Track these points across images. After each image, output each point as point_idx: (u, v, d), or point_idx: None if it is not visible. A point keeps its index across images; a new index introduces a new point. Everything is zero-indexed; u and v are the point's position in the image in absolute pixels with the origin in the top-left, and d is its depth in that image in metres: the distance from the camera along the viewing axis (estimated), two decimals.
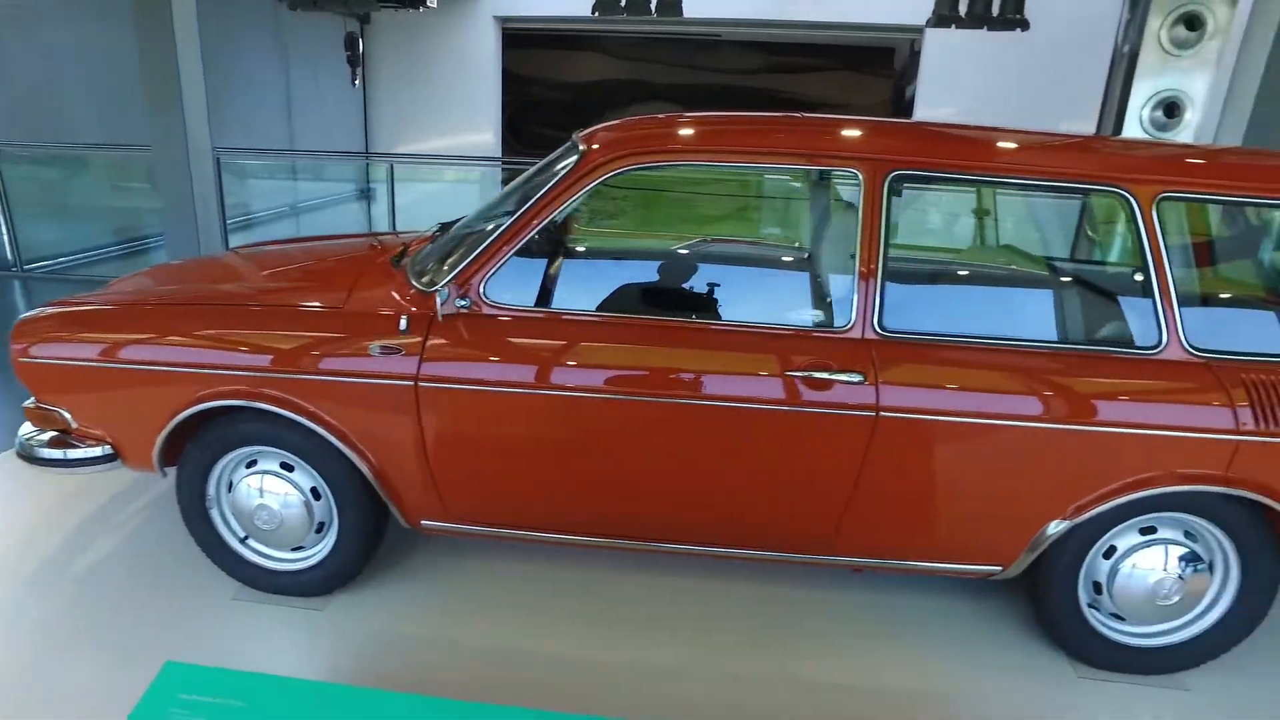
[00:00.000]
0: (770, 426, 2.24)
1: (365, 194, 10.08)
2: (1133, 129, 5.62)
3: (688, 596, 2.75)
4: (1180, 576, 2.36)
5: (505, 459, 2.39)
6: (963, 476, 2.26)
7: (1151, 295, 2.20)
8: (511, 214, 2.34)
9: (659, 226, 6.78)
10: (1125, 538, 2.37)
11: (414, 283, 2.48)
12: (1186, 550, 2.37)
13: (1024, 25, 8.06)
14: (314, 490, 2.56)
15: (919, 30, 10.89)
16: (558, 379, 2.27)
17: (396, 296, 2.46)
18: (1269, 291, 2.93)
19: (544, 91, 14.51)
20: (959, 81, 11.20)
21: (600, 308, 2.36)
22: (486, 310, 2.34)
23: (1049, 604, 2.45)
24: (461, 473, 2.42)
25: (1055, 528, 2.28)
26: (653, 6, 8.29)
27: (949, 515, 2.32)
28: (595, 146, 2.31)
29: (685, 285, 2.50)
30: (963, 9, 7.95)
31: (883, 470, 2.24)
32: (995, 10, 7.95)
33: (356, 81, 10.34)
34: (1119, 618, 2.45)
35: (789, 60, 13.85)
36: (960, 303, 2.43)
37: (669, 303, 2.50)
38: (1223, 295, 2.87)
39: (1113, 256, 3.92)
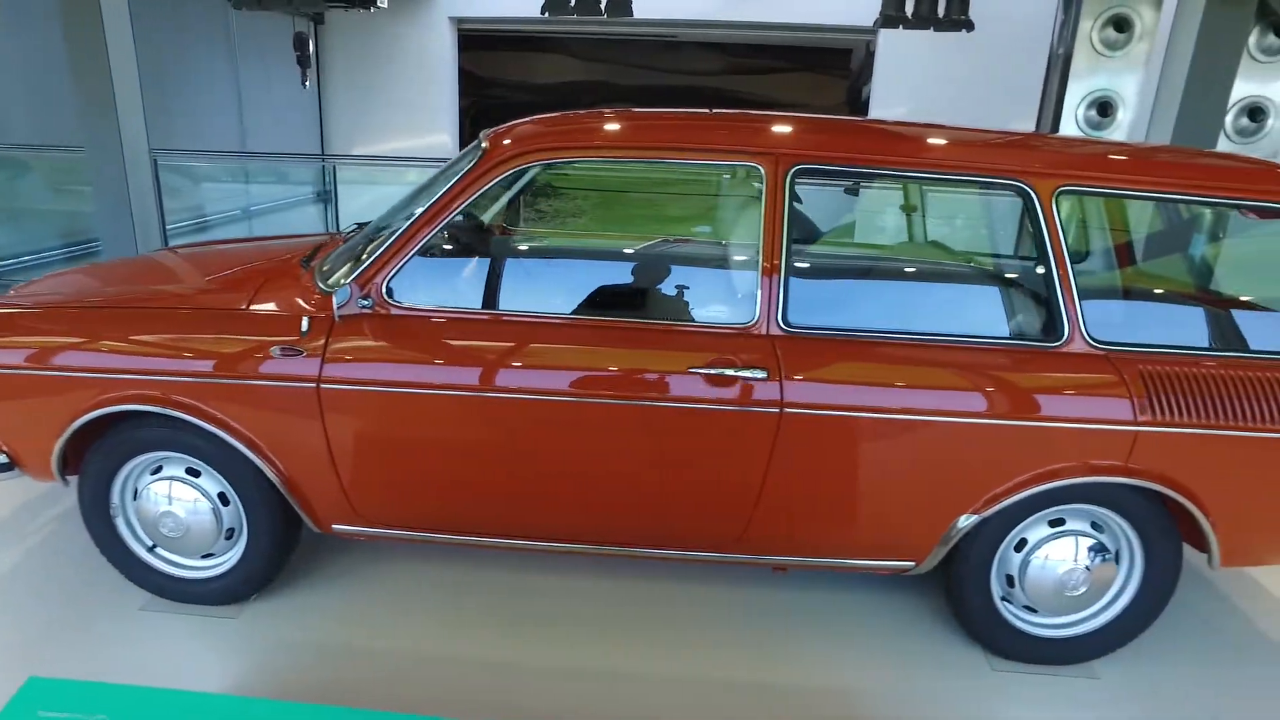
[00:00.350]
0: (676, 425, 2.22)
1: (323, 196, 9.94)
2: (1069, 128, 5.72)
3: (607, 598, 2.73)
4: (1088, 567, 2.38)
5: (410, 461, 2.35)
6: (870, 472, 2.26)
7: (1053, 289, 2.21)
8: (414, 213, 2.30)
9: (606, 225, 6.77)
10: (1035, 530, 2.39)
11: (319, 284, 2.43)
12: (1094, 541, 2.39)
13: (969, 26, 8.16)
14: (222, 496, 2.50)
15: (873, 31, 11.00)
16: (459, 379, 2.24)
17: (300, 298, 2.41)
18: (1171, 283, 2.99)
19: (506, 93, 14.45)
20: (912, 82, 11.33)
21: (508, 307, 2.33)
22: (388, 310, 2.30)
23: (963, 598, 2.46)
24: (368, 475, 2.38)
25: (965, 521, 2.30)
26: (603, 6, 8.29)
27: (859, 511, 2.32)
28: (496, 145, 2.28)
29: (596, 283, 2.48)
30: (909, 10, 8.04)
31: (790, 467, 2.23)
32: (941, 12, 8.05)
33: (307, 83, 10.19)
34: (1031, 610, 2.47)
35: (750, 62, 13.93)
36: (869, 298, 2.43)
37: (578, 301, 2.47)
38: (1125, 287, 2.91)
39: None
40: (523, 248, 3.06)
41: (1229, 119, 5.40)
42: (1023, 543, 2.40)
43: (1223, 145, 5.45)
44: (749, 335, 2.20)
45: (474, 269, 2.71)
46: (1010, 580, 2.44)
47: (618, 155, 2.29)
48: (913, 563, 2.40)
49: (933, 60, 10.79)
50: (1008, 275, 2.50)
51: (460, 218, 2.29)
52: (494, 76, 14.32)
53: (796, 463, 2.23)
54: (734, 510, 2.30)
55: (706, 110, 2.45)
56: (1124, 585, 2.44)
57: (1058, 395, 2.19)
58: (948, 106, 10.46)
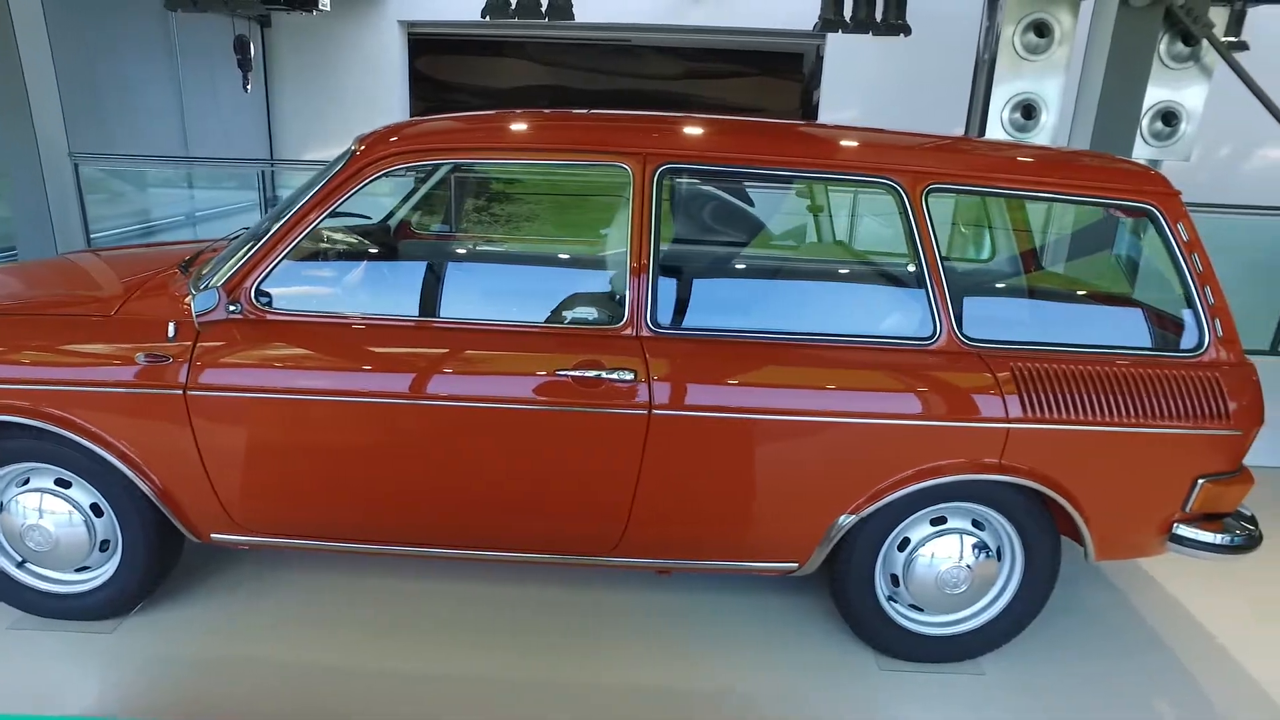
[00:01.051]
0: (546, 428, 2.20)
1: (273, 203, 9.76)
2: (995, 130, 5.79)
3: (493, 604, 2.69)
4: (969, 565, 2.40)
5: (283, 467, 2.30)
6: (745, 473, 2.25)
7: (925, 286, 2.22)
8: (281, 217, 2.25)
9: (519, 228, 6.73)
10: (917, 529, 2.40)
11: (191, 289, 2.37)
12: (975, 539, 2.41)
13: (906, 30, 8.25)
14: (95, 507, 2.42)
15: (822, 36, 11.09)
16: (329, 384, 2.20)
17: (171, 305, 2.35)
18: (1054, 283, 3.02)
19: (465, 97, 14.38)
20: (858, 86, 11.45)
21: (385, 310, 2.29)
22: (259, 316, 2.25)
23: (849, 598, 2.46)
24: (241, 483, 2.32)
25: (844, 520, 2.29)
26: (544, 10, 8.25)
27: (736, 513, 2.31)
28: (363, 148, 2.24)
29: (477, 286, 2.45)
30: (848, 15, 8.11)
31: (663, 470, 2.21)
32: (879, 16, 8.13)
33: (249, 87, 10.00)
34: (917, 609, 2.48)
35: (707, 66, 13.99)
36: (749, 299, 2.43)
37: (455, 304, 2.44)
38: (997, 285, 2.94)
39: (974, 251, 4.00)
40: (416, 251, 3.02)
41: (1144, 123, 5.51)
42: (906, 541, 2.41)
43: (1139, 148, 5.56)
44: (618, 337, 2.18)
45: (360, 272, 2.66)
46: (895, 579, 2.44)
47: (485, 156, 2.27)
48: (796, 564, 2.39)
49: (878, 64, 10.91)
50: (891, 274, 2.51)
51: (332, 219, 2.25)
52: (451, 80, 14.25)
53: (669, 465, 2.21)
54: (610, 514, 2.28)
55: (582, 110, 2.43)
56: (1006, 582, 2.46)
57: (929, 393, 2.20)
58: (892, 109, 10.57)
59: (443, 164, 2.21)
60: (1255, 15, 9.61)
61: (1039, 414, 2.20)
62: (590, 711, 2.26)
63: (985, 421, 2.20)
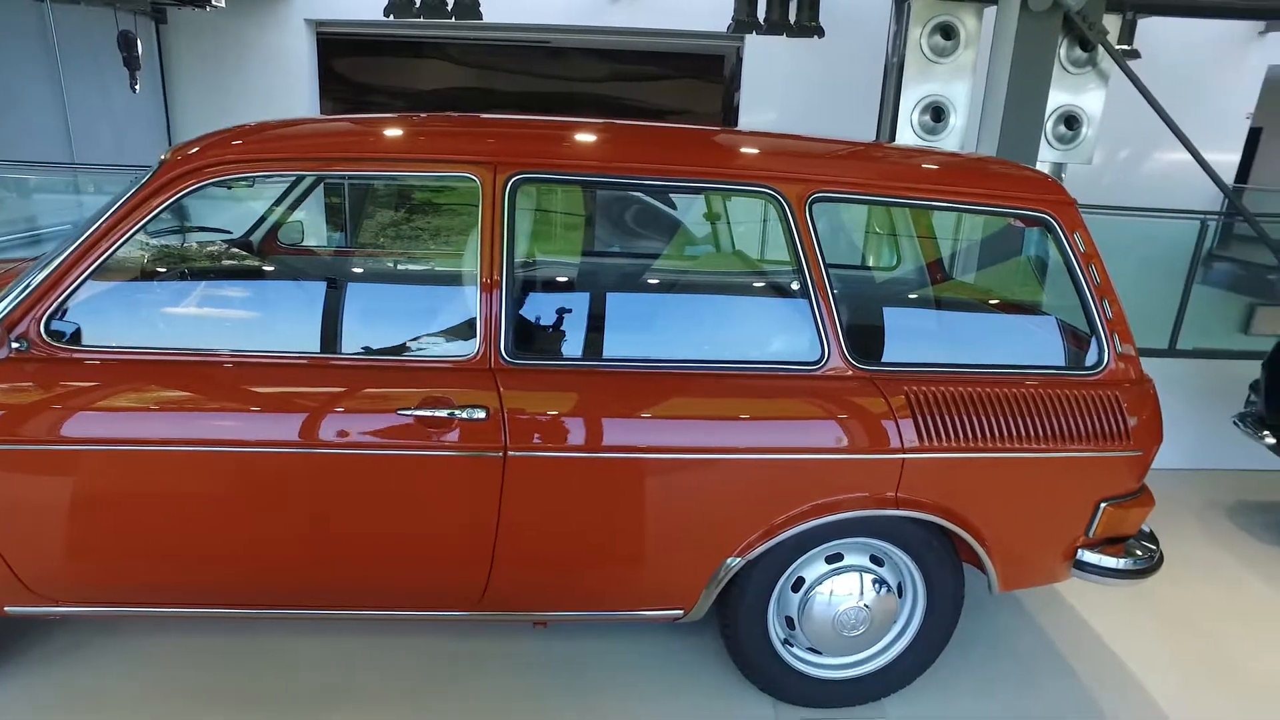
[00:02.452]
0: (394, 473, 1.94)
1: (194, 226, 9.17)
2: (905, 132, 5.73)
3: (360, 659, 2.42)
4: (869, 604, 2.22)
5: (77, 526, 1.97)
6: (618, 516, 2.03)
7: (810, 303, 2.04)
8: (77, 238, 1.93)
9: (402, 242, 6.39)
10: (812, 568, 2.22)
11: None
12: (874, 576, 2.24)
13: (819, 32, 8.20)
14: None
15: (740, 38, 11.01)
16: (135, 431, 1.89)
17: None
18: (954, 297, 2.90)
19: (386, 100, 13.89)
20: (776, 88, 11.41)
21: (209, 343, 1.98)
22: (51, 353, 1.91)
23: (741, 644, 2.26)
24: (31, 546, 1.98)
25: (731, 563, 2.09)
26: (450, 9, 7.93)
27: (610, 559, 2.09)
28: (175, 157, 1.94)
29: (320, 311, 2.17)
30: (761, 16, 8.00)
31: (524, 515, 1.98)
32: (792, 18, 8.05)
33: (137, 87, 9.38)
34: (815, 651, 2.30)
35: (634, 68, 13.82)
36: (616, 321, 2.21)
37: (290, 333, 2.15)
38: (898, 298, 2.80)
39: (878, 261, 3.86)
40: (263, 270, 2.69)
41: (1048, 126, 5.53)
42: (800, 581, 2.22)
43: (1044, 151, 5.57)
44: (469, 369, 1.93)
45: (188, 298, 2.33)
46: (790, 622, 2.25)
47: (315, 169, 2.00)
48: (681, 610, 2.18)
49: (796, 66, 10.88)
50: (780, 291, 2.32)
51: (138, 240, 1.94)
52: (370, 83, 13.76)
53: (531, 511, 1.98)
54: (469, 565, 2.03)
55: (414, 115, 2.18)
56: (908, 619, 2.30)
57: (816, 423, 2.01)
58: (812, 111, 10.56)
59: (265, 176, 1.92)
60: (1152, 25, 9.91)
61: (936, 442, 2.04)
62: None
63: (878, 452, 2.02)
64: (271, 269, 2.71)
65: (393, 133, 2.04)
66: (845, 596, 2.22)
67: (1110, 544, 2.28)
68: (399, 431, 1.89)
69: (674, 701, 2.34)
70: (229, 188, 2.00)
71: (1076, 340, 2.28)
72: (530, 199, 2.33)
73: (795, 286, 2.05)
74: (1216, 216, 5.82)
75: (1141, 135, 5.16)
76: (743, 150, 2.17)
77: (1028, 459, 2.10)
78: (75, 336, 1.94)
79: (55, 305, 1.91)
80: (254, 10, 11.78)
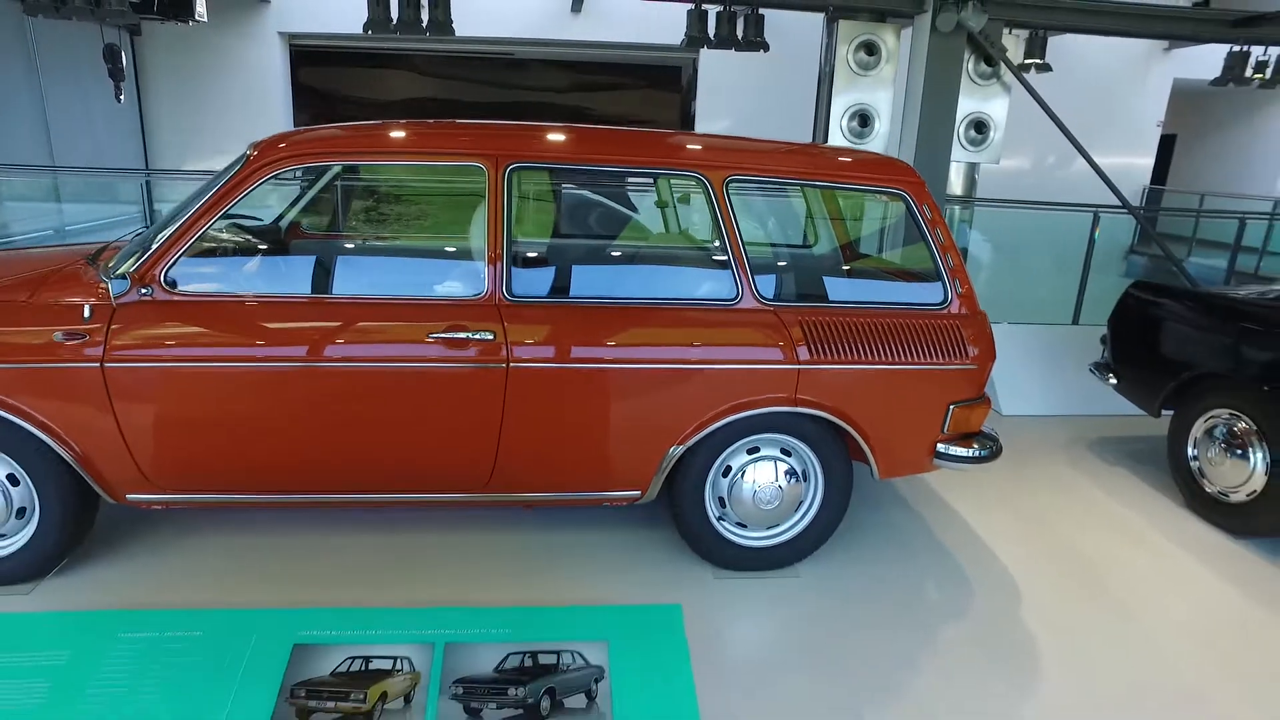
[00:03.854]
0: (424, 383, 2.64)
1: (155, 214, 9.62)
2: (835, 137, 6.54)
3: (385, 549, 3.09)
4: (780, 486, 2.96)
5: (195, 430, 2.64)
6: (590, 414, 2.75)
7: (729, 258, 2.79)
8: (184, 213, 2.61)
9: (406, 225, 7.11)
10: (737, 458, 2.96)
11: (102, 278, 2.68)
12: (784, 465, 2.98)
13: (764, 47, 9.03)
14: (11, 477, 2.68)
15: (694, 51, 11.81)
16: (232, 354, 2.56)
17: (83, 291, 2.65)
18: (850, 258, 3.67)
19: (353, 109, 14.34)
20: (729, 98, 12.23)
21: (285, 291, 2.67)
22: (168, 297, 2.59)
23: (686, 520, 2.99)
24: (157, 446, 2.64)
25: (674, 451, 2.82)
26: (424, 25, 8.59)
27: (585, 448, 2.80)
28: (257, 152, 2.63)
29: (361, 270, 2.85)
30: (711, 32, 8.81)
31: (522, 414, 2.69)
32: (740, 34, 8.87)
33: (121, 97, 9.85)
34: (742, 525, 3.03)
35: (594, 79, 14.46)
36: (596, 275, 2.93)
37: (342, 284, 2.84)
38: (807, 261, 3.56)
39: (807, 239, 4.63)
40: (306, 246, 3.38)
41: (960, 130, 6.36)
42: (728, 469, 2.96)
43: (957, 152, 6.40)
44: (480, 305, 2.65)
45: (256, 262, 3.02)
46: (722, 502, 2.99)
47: (363, 159, 2.71)
48: (639, 492, 2.90)
49: (746, 78, 11.72)
50: (710, 253, 3.06)
51: (235, 213, 2.62)
52: (340, 92, 14.22)
53: (527, 410, 2.69)
54: (480, 455, 2.74)
55: (433, 120, 2.90)
56: (811, 499, 3.04)
57: (733, 344, 2.76)
58: (760, 119, 11.39)
59: (329, 166, 2.60)
60: (1068, 42, 10.91)
61: (823, 357, 2.79)
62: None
63: (779, 364, 2.77)
64: (323, 245, 3.40)
65: (423, 133, 2.76)
66: (762, 480, 2.96)
67: (962, 439, 3.06)
68: (430, 349, 2.60)
69: (633, 573, 3.05)
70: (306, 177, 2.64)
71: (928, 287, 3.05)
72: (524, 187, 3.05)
73: (717, 245, 2.80)
74: (1107, 210, 6.68)
75: (1065, 142, 6.05)
76: (677, 145, 2.92)
77: (893, 370, 2.87)
78: (181, 286, 2.61)
79: (173, 261, 2.58)
80: (228, 22, 12.27)
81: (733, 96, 12.12)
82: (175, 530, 3.13)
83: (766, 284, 2.83)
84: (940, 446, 3.01)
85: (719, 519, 3.02)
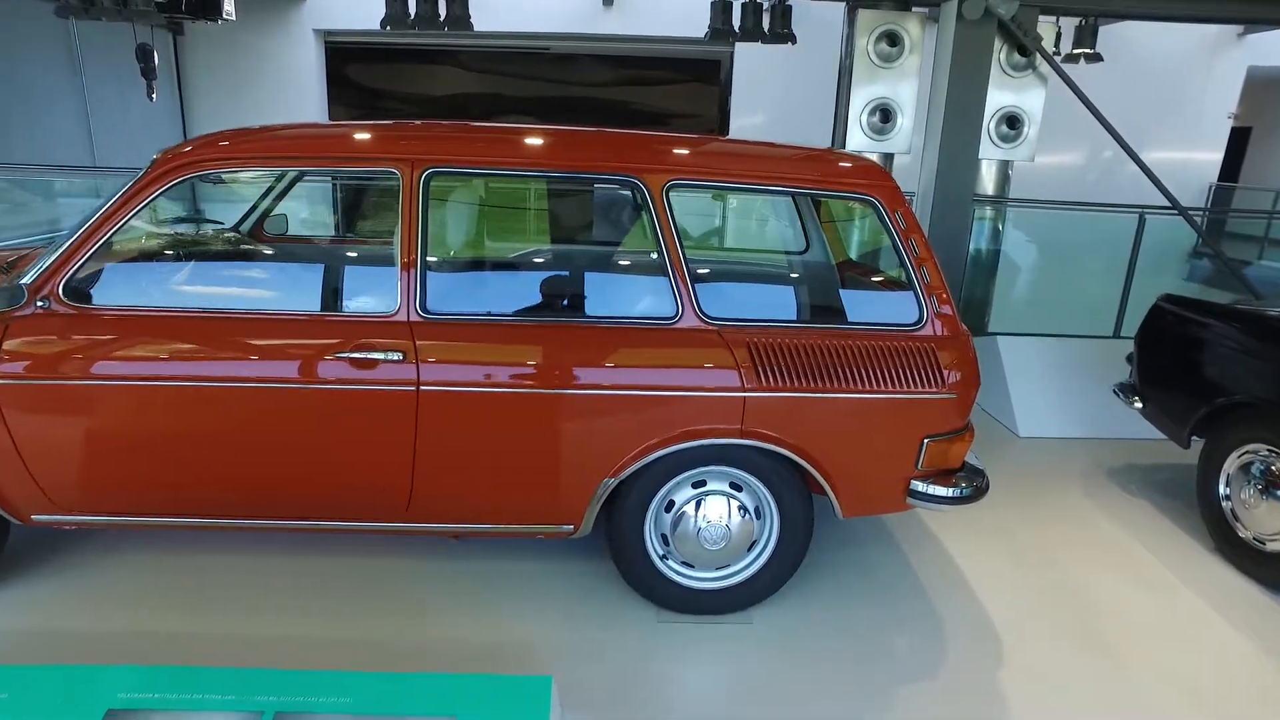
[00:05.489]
0: (330, 405, 2.42)
1: (197, 214, 9.75)
2: (855, 134, 6.18)
3: (309, 573, 2.90)
4: (729, 524, 2.67)
5: (91, 450, 2.48)
6: (512, 441, 2.50)
7: (667, 272, 2.50)
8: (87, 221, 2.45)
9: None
10: (680, 492, 2.67)
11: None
12: (734, 500, 2.69)
13: (792, 39, 8.66)
14: None
15: (731, 44, 11.47)
16: (126, 372, 2.39)
17: None
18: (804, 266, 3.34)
19: (397, 105, 14.40)
20: (763, 93, 11.86)
21: (194, 304, 2.49)
22: (67, 310, 2.43)
23: (624, 557, 2.72)
24: (54, 465, 2.49)
25: (608, 483, 2.56)
26: (442, 20, 8.46)
27: (508, 478, 2.56)
28: (162, 157, 2.45)
29: (277, 281, 2.66)
30: (736, 25, 8.48)
31: (436, 439, 2.46)
32: (766, 26, 8.51)
33: (154, 96, 9.99)
34: (689, 565, 2.75)
35: (638, 73, 14.24)
36: (510, 286, 2.69)
37: (258, 297, 2.65)
38: (738, 269, 3.24)
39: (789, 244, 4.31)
40: (240, 253, 3.21)
41: (991, 126, 5.93)
42: (671, 503, 2.68)
43: (987, 150, 5.97)
44: (390, 322, 2.42)
45: (177, 271, 2.85)
46: (665, 539, 2.71)
47: (272, 165, 2.51)
48: (572, 526, 2.64)
49: (780, 72, 11.33)
50: (649, 263, 2.77)
51: (133, 223, 2.45)
52: (384, 89, 14.27)
53: (441, 436, 2.46)
54: (394, 483, 2.51)
55: (348, 122, 2.68)
56: (765, 539, 2.74)
57: (672, 367, 2.48)
58: (796, 115, 11.00)
59: (239, 171, 2.42)
60: (1128, 29, 10.24)
61: (773, 383, 2.49)
62: (393, 657, 2.49)
63: (723, 391, 2.48)
64: (254, 252, 3.22)
65: (335, 137, 2.54)
66: (709, 517, 2.67)
67: (943, 476, 2.72)
68: (336, 370, 2.38)
69: (570, 608, 2.80)
70: (216, 182, 2.49)
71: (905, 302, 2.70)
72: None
73: (655, 259, 2.52)
74: (1154, 210, 6.16)
75: (1128, 134, 5.59)
76: (613, 146, 2.64)
77: (857, 399, 2.55)
78: (84, 298, 2.45)
79: (69, 274, 2.42)
80: (265, 22, 12.39)
81: (768, 90, 11.75)
82: (84, 550, 2.99)
83: (712, 299, 2.54)
84: (915, 484, 2.68)
85: (662, 557, 2.74)
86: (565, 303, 2.66)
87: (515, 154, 2.53)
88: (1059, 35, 7.18)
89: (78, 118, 10.98)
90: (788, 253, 3.73)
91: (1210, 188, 12.79)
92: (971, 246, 6.54)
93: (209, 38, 12.36)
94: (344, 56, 13.31)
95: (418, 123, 2.69)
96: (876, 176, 2.64)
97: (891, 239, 2.61)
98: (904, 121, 6.05)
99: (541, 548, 3.10)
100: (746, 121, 12.11)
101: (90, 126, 11.13)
